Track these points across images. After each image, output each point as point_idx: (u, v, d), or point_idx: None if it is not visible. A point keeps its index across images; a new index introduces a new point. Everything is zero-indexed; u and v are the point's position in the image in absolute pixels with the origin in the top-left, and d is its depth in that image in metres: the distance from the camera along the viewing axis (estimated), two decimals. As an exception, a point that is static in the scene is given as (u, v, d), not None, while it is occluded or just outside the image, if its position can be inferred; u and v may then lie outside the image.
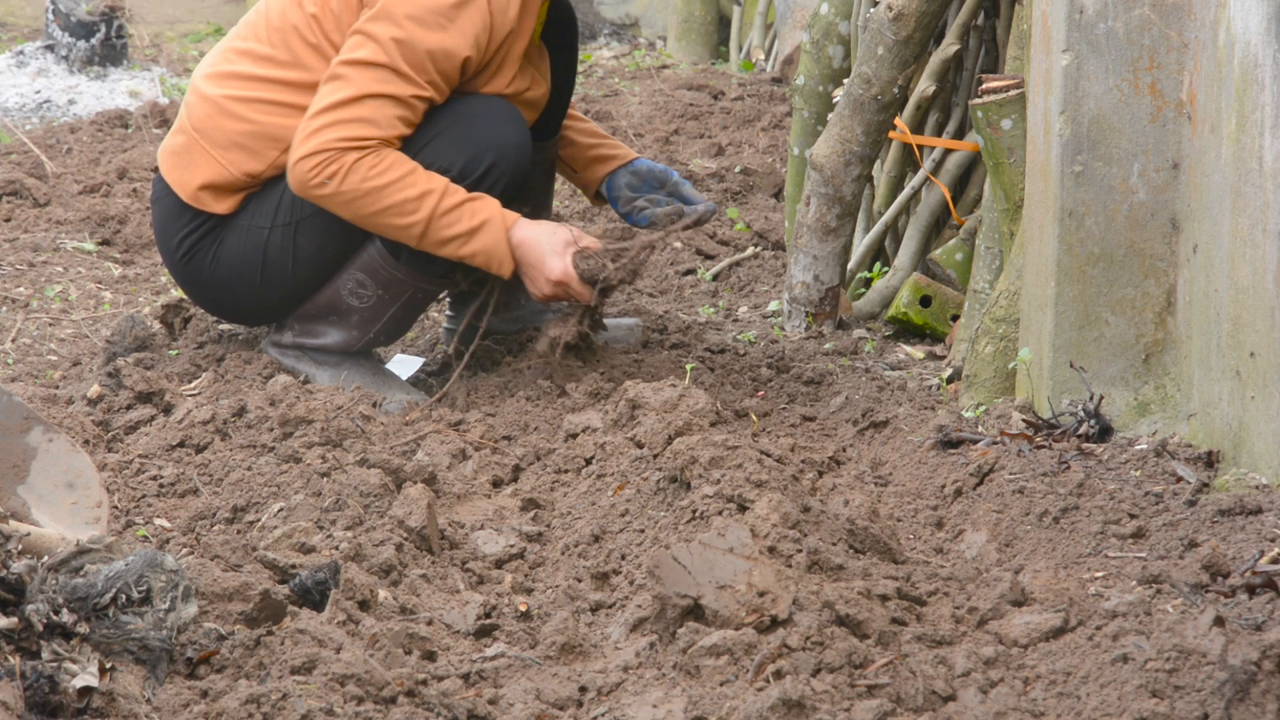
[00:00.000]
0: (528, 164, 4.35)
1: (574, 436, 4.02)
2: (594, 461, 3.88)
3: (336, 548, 3.41)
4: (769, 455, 3.61)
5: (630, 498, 3.60)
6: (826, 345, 4.88)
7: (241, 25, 4.43)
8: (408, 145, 4.26)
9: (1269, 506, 3.30)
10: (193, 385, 4.39)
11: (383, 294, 4.36)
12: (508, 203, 4.35)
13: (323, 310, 4.40)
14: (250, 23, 4.39)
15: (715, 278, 5.51)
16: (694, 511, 3.32)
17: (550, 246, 4.29)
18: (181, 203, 4.38)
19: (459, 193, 4.24)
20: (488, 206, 4.27)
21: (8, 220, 6.00)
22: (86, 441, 4.08)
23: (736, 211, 5.98)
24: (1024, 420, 3.92)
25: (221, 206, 4.36)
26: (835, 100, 5.03)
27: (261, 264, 4.36)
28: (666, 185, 4.63)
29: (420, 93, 4.21)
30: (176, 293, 5.15)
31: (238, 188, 4.35)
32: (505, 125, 4.30)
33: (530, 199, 4.68)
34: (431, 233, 4.23)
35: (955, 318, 4.88)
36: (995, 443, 3.83)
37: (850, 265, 5.15)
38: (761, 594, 2.93)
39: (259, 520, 3.66)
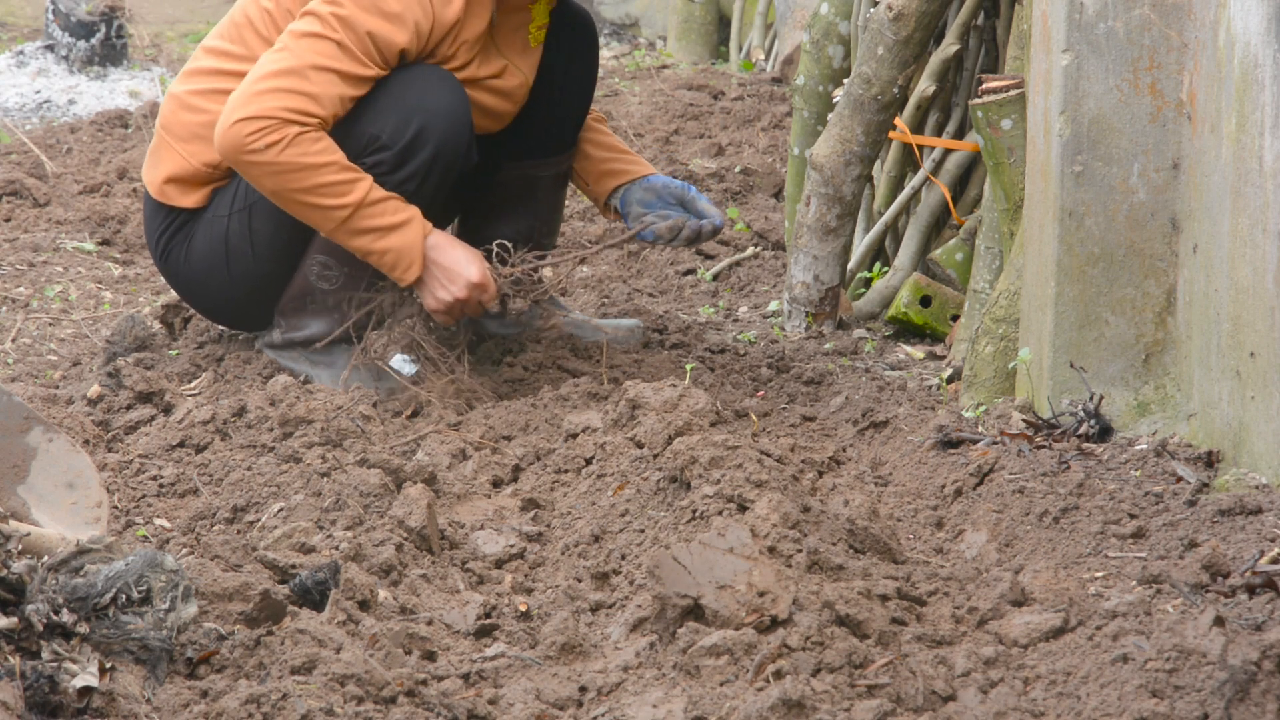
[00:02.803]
0: (465, 131, 4.32)
1: (574, 436, 4.02)
2: (594, 461, 3.88)
3: (336, 548, 3.41)
4: (769, 455, 3.61)
5: (630, 498, 3.60)
6: (826, 345, 4.88)
7: (214, 27, 4.50)
8: (346, 118, 4.27)
9: (1269, 506, 3.30)
10: (193, 385, 4.39)
11: (349, 271, 4.37)
12: (454, 195, 4.39)
13: (299, 299, 4.41)
14: (219, 24, 4.47)
15: (715, 278, 5.51)
16: (694, 511, 3.32)
17: (468, 255, 4.31)
18: (155, 204, 4.45)
19: (383, 190, 4.26)
20: (411, 208, 4.29)
21: (8, 220, 6.00)
22: (86, 441, 4.08)
23: (736, 211, 5.98)
24: (1024, 420, 3.92)
25: (188, 200, 4.41)
26: (835, 100, 5.03)
27: (225, 254, 4.40)
28: (685, 200, 4.62)
29: (363, 71, 4.22)
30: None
31: (200, 180, 4.39)
32: (436, 90, 4.29)
33: (540, 211, 4.69)
34: (354, 220, 4.23)
35: (955, 318, 4.88)
36: (995, 443, 3.83)
37: (850, 265, 5.15)
38: (761, 594, 2.93)
39: (259, 520, 3.66)
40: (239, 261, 4.40)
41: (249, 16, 4.37)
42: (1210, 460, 3.58)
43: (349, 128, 4.26)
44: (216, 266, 4.41)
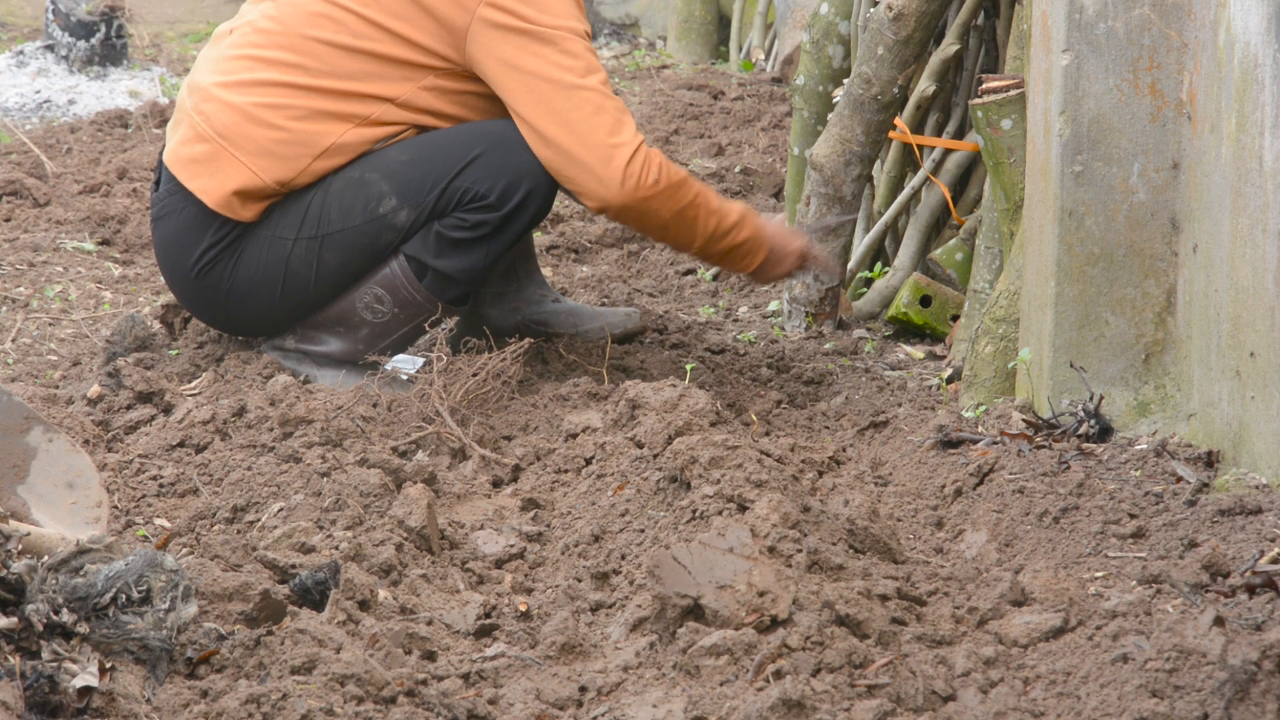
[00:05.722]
0: (554, 194, 4.35)
1: (574, 436, 4.02)
2: (594, 461, 3.88)
3: (336, 548, 3.41)
4: (769, 455, 3.61)
5: (630, 498, 3.60)
6: (826, 345, 4.88)
7: (251, 33, 4.32)
8: (443, 163, 4.24)
9: (1269, 506, 3.30)
10: (193, 385, 4.39)
11: (398, 312, 4.33)
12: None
13: (332, 320, 4.37)
14: (264, 30, 4.30)
15: (715, 278, 5.51)
16: (694, 511, 3.32)
17: (788, 230, 4.54)
18: (203, 215, 4.29)
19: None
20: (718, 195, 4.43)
21: (8, 220, 6.00)
22: (86, 441, 4.08)
23: (736, 211, 5.98)
24: (1024, 420, 3.92)
25: (248, 213, 4.27)
26: (835, 100, 5.03)
27: (283, 276, 4.31)
28: None
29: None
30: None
31: (267, 195, 4.27)
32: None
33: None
34: (723, 224, 4.37)
35: (955, 318, 4.88)
36: (995, 443, 3.83)
37: (850, 265, 5.15)
38: (761, 594, 2.93)
39: (259, 520, 3.66)
40: (295, 284, 4.31)
41: (320, 31, 4.24)
42: (1210, 460, 3.58)
43: (436, 174, 4.24)
44: (268, 285, 4.31)
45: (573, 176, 4.21)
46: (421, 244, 4.28)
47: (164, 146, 4.42)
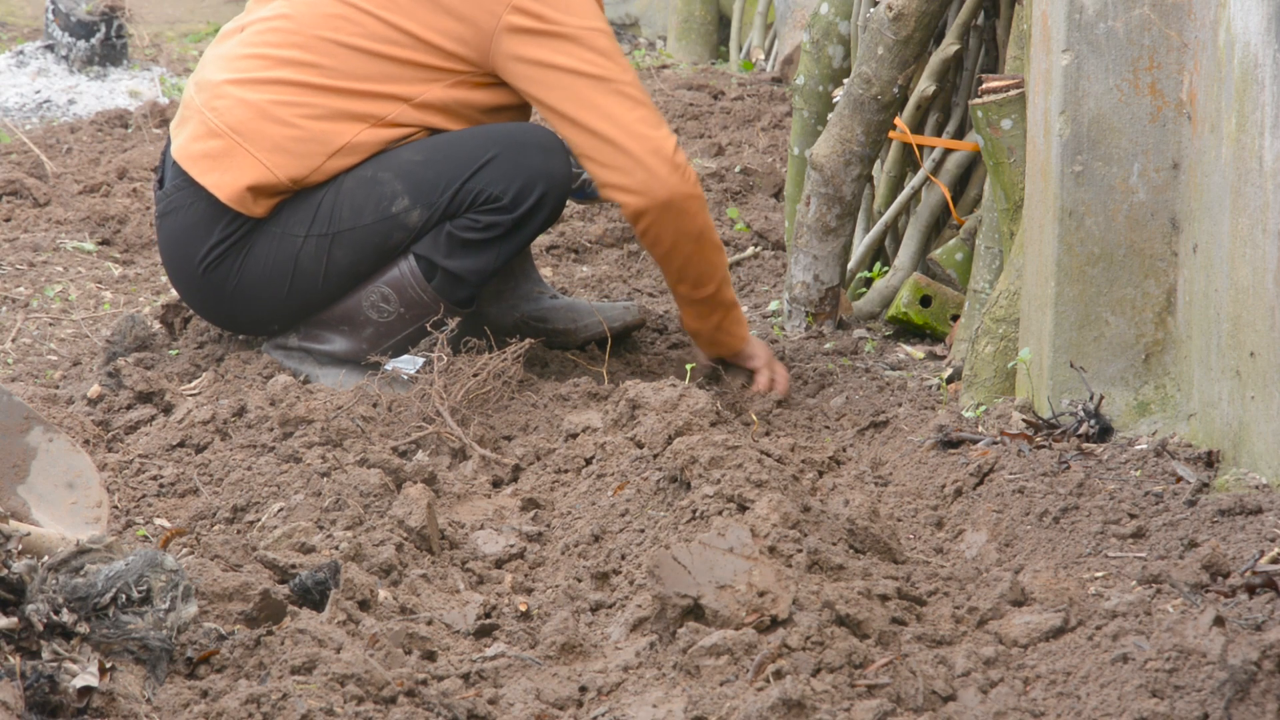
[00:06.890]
0: (566, 198, 4.36)
1: (574, 436, 4.02)
2: (594, 461, 3.88)
3: (336, 548, 3.41)
4: (769, 455, 3.61)
5: (630, 498, 3.60)
6: (826, 345, 4.88)
7: (265, 31, 4.31)
8: (457, 164, 4.24)
9: (1269, 506, 3.30)
10: (193, 385, 4.39)
11: (404, 312, 4.33)
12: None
13: (337, 319, 4.36)
14: (278, 29, 4.30)
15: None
16: (694, 511, 3.32)
17: None
18: (213, 210, 4.28)
19: None
20: None
21: (8, 220, 6.00)
22: (86, 441, 4.08)
23: (736, 211, 5.98)
24: (1024, 420, 3.92)
25: (260, 209, 4.27)
26: (835, 100, 5.03)
27: (291, 273, 4.30)
28: None
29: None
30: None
31: (278, 191, 4.27)
32: (555, 156, 4.28)
33: None
34: (727, 273, 4.48)
35: (955, 318, 4.88)
36: (995, 443, 3.83)
37: (850, 265, 5.15)
38: (761, 594, 2.93)
39: (259, 520, 3.67)
40: (303, 282, 4.31)
41: (337, 33, 4.24)
42: (1210, 460, 3.58)
43: (450, 175, 4.24)
44: (275, 283, 4.31)
45: (618, 169, 4.23)
46: (432, 244, 4.28)
47: (168, 145, 4.42)
